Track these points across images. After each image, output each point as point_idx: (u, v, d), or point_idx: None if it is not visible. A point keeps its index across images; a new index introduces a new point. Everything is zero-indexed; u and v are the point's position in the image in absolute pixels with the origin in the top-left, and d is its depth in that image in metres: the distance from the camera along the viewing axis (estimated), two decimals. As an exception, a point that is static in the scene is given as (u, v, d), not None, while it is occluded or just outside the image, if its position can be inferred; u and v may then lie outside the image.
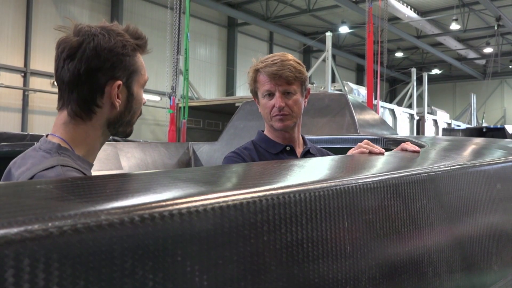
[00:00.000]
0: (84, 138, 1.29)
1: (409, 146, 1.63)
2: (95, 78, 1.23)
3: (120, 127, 1.33)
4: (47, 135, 1.33)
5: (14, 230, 0.43)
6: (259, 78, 1.88)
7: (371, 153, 1.55)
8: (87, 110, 1.26)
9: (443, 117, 18.40)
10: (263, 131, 1.99)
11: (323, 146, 2.43)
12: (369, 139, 2.92)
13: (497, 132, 14.06)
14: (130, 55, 1.27)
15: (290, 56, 1.90)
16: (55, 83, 1.30)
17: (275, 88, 1.84)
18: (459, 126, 18.97)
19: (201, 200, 0.58)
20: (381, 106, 13.74)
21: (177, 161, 4.94)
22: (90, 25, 1.27)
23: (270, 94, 1.85)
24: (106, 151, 4.06)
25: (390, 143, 2.87)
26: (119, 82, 1.25)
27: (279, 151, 1.91)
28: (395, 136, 3.25)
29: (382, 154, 1.54)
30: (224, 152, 4.95)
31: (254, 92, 1.93)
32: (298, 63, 1.90)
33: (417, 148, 1.60)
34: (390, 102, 18.36)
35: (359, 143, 1.64)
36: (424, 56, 26.61)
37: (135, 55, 1.29)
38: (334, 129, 3.99)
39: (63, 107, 1.28)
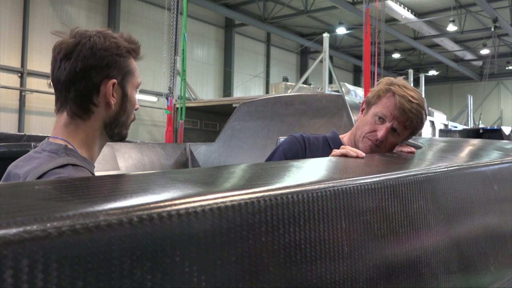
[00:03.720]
0: (85, 139, 1.32)
1: (404, 147, 1.63)
2: (90, 76, 1.26)
3: (116, 128, 1.35)
4: (48, 138, 1.34)
5: (13, 230, 0.43)
6: (387, 98, 1.78)
7: (346, 156, 1.48)
8: (85, 109, 1.29)
9: (440, 118, 18.42)
10: (337, 133, 1.97)
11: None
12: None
13: (494, 133, 14.09)
14: (124, 56, 1.31)
15: (424, 103, 1.81)
16: (52, 85, 1.33)
17: (392, 121, 1.76)
18: (456, 127, 19.00)
19: (199, 200, 0.58)
20: (378, 107, 13.73)
21: (174, 161, 4.94)
22: (86, 30, 1.32)
23: (381, 119, 1.78)
24: (103, 152, 4.04)
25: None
26: (114, 80, 1.29)
27: None
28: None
29: (362, 157, 1.44)
30: (222, 153, 4.96)
31: (370, 102, 1.83)
32: (426, 115, 1.82)
33: (412, 149, 1.60)
34: (387, 103, 18.35)
35: (342, 146, 1.60)
36: (421, 57, 26.66)
37: (128, 57, 1.33)
38: (331, 130, 3.99)
39: (62, 108, 1.32)
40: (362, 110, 1.85)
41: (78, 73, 1.26)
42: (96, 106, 1.30)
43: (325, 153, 1.86)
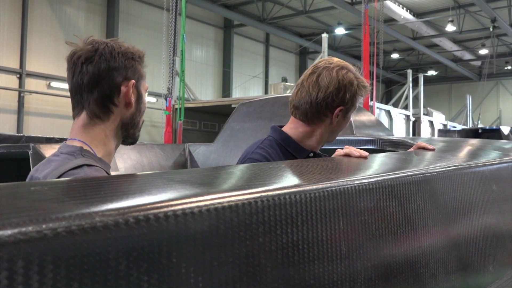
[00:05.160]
0: (102, 139, 1.38)
1: (426, 145, 1.79)
2: (113, 76, 1.34)
3: (131, 129, 1.43)
4: (65, 141, 1.40)
5: (8, 232, 0.42)
6: (362, 96, 1.85)
7: (349, 155, 1.48)
8: (106, 109, 1.36)
9: (439, 118, 18.42)
10: (281, 128, 1.86)
11: (319, 147, 2.42)
12: (365, 141, 2.93)
13: (493, 133, 14.08)
14: (137, 60, 1.41)
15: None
16: (70, 91, 1.39)
17: None
18: (455, 127, 19.00)
19: (196, 201, 0.58)
20: (377, 108, 13.75)
21: (173, 162, 4.93)
22: (100, 38, 1.41)
23: None
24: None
25: (386, 145, 2.88)
26: (133, 81, 1.38)
27: (304, 157, 1.81)
28: (391, 138, 3.25)
29: (365, 157, 1.44)
30: (221, 153, 4.96)
31: (349, 109, 1.81)
32: None
33: (432, 147, 1.76)
34: (386, 103, 18.38)
35: (346, 146, 1.60)
36: (420, 57, 26.66)
37: (140, 62, 1.43)
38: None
39: (81, 111, 1.37)
40: (337, 116, 1.77)
41: (102, 74, 1.33)
42: (116, 106, 1.37)
43: (285, 155, 1.79)
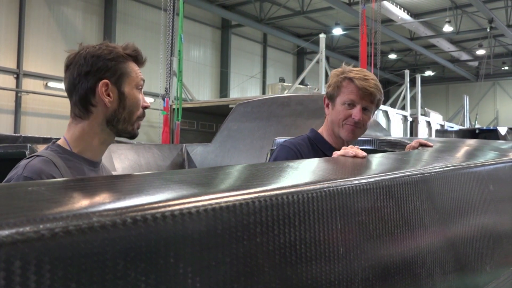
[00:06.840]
0: (81, 135, 1.49)
1: (426, 142, 1.90)
2: (86, 80, 1.44)
3: (119, 125, 1.49)
4: None
5: (5, 232, 0.42)
6: (346, 85, 1.95)
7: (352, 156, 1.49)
8: (85, 110, 1.47)
9: (436, 119, 18.45)
10: (316, 131, 2.07)
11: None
12: (362, 141, 2.93)
13: (490, 134, 14.07)
14: (117, 60, 1.47)
15: (373, 75, 2.05)
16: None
17: (360, 101, 1.93)
18: (452, 127, 19.02)
19: (194, 201, 0.58)
20: (375, 108, 13.73)
21: (170, 162, 4.93)
22: (95, 45, 1.51)
23: (351, 104, 1.94)
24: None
25: (384, 145, 2.88)
26: (105, 81, 1.44)
27: (331, 151, 1.88)
28: (388, 138, 3.25)
29: (362, 157, 1.44)
30: (218, 153, 4.96)
31: (332, 96, 1.99)
32: (380, 86, 2.04)
33: (431, 144, 1.86)
34: (384, 103, 18.41)
35: (343, 146, 1.61)
36: (417, 58, 26.71)
37: (124, 61, 1.49)
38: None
39: (71, 112, 1.51)
40: (327, 105, 2.02)
41: (75, 79, 1.45)
42: (94, 106, 1.46)
43: (315, 153, 1.99)
